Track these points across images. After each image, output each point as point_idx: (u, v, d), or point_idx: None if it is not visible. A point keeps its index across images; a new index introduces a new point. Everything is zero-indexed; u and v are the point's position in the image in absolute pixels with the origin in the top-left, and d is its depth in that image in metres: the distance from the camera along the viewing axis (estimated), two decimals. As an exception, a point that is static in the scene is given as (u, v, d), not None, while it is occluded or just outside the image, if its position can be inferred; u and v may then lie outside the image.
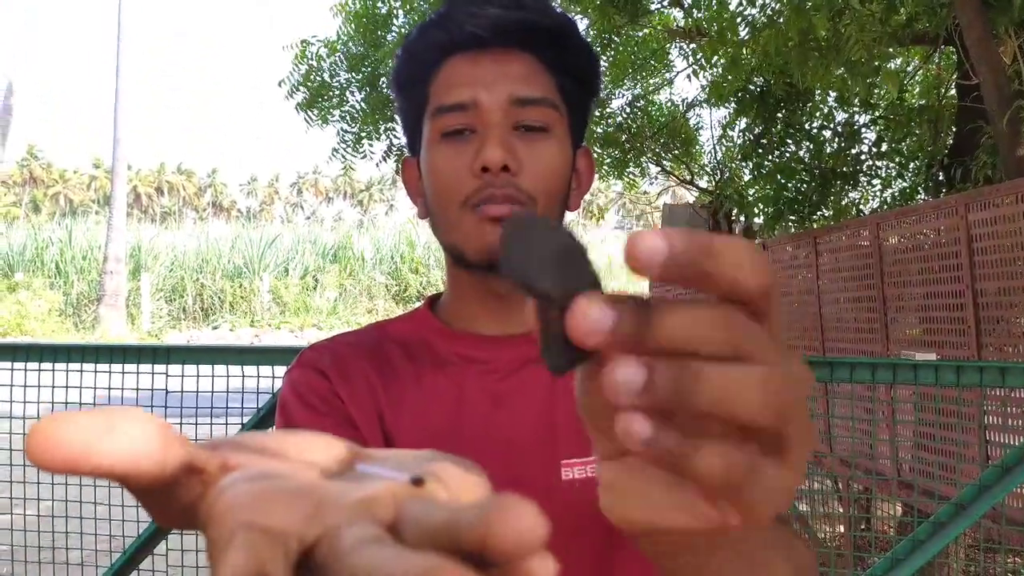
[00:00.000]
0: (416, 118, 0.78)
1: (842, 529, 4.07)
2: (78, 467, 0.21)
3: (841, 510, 3.98)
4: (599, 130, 8.16)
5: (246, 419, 2.21)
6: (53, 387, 2.29)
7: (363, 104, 7.79)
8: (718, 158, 8.41)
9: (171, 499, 0.24)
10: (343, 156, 8.03)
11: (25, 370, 2.31)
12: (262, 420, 2.12)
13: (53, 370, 2.29)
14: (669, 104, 9.09)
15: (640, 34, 7.57)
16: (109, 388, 2.25)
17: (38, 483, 2.33)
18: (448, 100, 0.74)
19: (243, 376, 2.16)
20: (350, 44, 7.55)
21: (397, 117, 0.85)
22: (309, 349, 0.79)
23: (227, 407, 2.32)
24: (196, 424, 2.27)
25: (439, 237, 0.78)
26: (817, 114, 6.79)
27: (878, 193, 6.85)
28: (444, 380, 0.75)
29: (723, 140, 8.16)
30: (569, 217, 0.84)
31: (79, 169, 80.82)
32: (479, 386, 0.75)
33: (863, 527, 3.95)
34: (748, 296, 0.27)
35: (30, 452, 0.21)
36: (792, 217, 6.43)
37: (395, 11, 7.29)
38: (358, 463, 0.26)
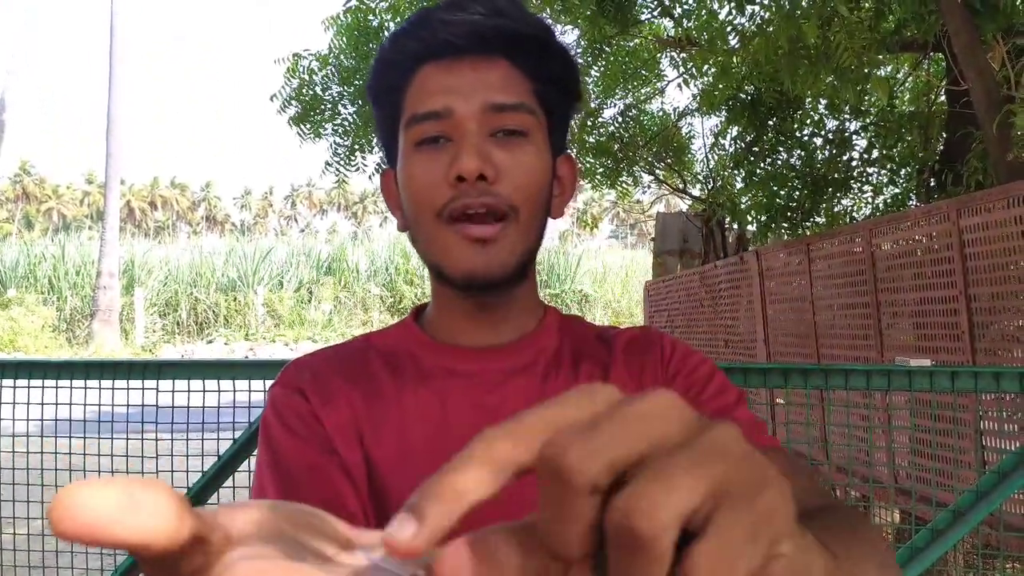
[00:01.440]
0: (392, 128, 0.77)
1: (840, 537, 4.05)
2: (99, 539, 0.22)
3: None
4: (591, 139, 8.18)
5: (238, 433, 2.19)
6: (43, 404, 2.27)
7: (355, 117, 7.80)
8: (710, 166, 8.44)
9: (175, 569, 0.24)
10: (336, 169, 8.03)
11: (14, 387, 2.29)
12: (254, 435, 2.11)
13: (43, 387, 2.28)
14: (661, 113, 9.14)
15: (631, 44, 7.60)
16: (99, 404, 2.23)
17: (28, 501, 2.31)
18: (422, 109, 0.72)
19: (234, 391, 2.14)
20: (342, 57, 7.57)
21: (375, 128, 0.84)
22: (291, 366, 0.78)
23: (219, 422, 2.31)
24: (187, 439, 2.25)
25: (418, 250, 0.76)
26: (808, 121, 6.81)
27: (870, 200, 6.88)
28: (428, 394, 0.74)
29: (715, 148, 8.19)
30: (558, 225, 0.83)
31: (72, 184, 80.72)
32: (464, 400, 0.74)
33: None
34: None
35: (53, 522, 0.21)
36: (784, 224, 6.45)
37: (386, 24, 7.31)
38: (359, 549, 0.27)
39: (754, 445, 0.61)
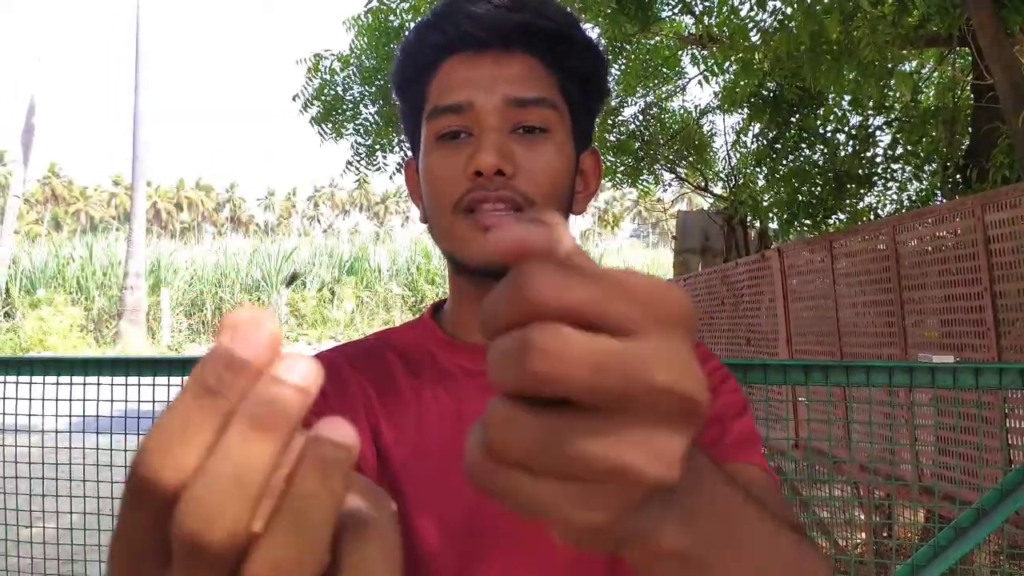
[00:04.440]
0: (415, 119, 0.77)
1: (863, 536, 4.02)
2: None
3: (863, 517, 3.93)
4: (612, 138, 8.17)
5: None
6: (71, 400, 2.31)
7: (376, 117, 7.86)
8: (732, 164, 8.39)
9: None
10: (357, 169, 8.09)
11: (44, 384, 2.34)
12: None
13: (71, 383, 2.32)
14: (682, 111, 9.10)
15: (652, 42, 7.58)
16: (126, 400, 2.27)
17: (57, 496, 2.36)
18: (444, 101, 0.72)
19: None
20: (363, 57, 7.62)
21: (399, 119, 0.85)
22: None
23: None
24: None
25: (437, 242, 0.76)
26: (831, 117, 6.74)
27: (895, 196, 6.80)
28: (444, 394, 0.74)
29: (737, 146, 8.14)
30: (579, 224, 0.81)
31: (99, 186, 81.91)
32: (480, 401, 0.71)
33: (885, 534, 3.90)
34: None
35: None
36: (807, 222, 6.39)
37: (407, 24, 7.34)
38: None
39: (738, 462, 0.69)
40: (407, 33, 0.79)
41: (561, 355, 0.24)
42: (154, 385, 2.25)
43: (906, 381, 2.05)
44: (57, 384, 2.32)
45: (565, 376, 0.24)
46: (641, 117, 8.58)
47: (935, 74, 7.07)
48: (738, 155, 8.21)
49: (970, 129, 5.25)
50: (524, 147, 0.71)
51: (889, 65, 4.53)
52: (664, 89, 8.54)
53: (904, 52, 4.86)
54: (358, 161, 8.05)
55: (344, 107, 7.88)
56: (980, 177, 4.63)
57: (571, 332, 0.24)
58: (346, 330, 24.51)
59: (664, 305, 0.25)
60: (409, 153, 0.83)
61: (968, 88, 5.40)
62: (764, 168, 7.17)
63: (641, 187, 9.28)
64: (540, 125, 0.72)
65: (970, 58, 4.99)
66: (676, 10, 6.59)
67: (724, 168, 8.91)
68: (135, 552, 0.24)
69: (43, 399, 2.33)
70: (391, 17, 7.40)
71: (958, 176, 5.17)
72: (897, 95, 6.00)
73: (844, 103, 6.59)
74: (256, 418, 0.23)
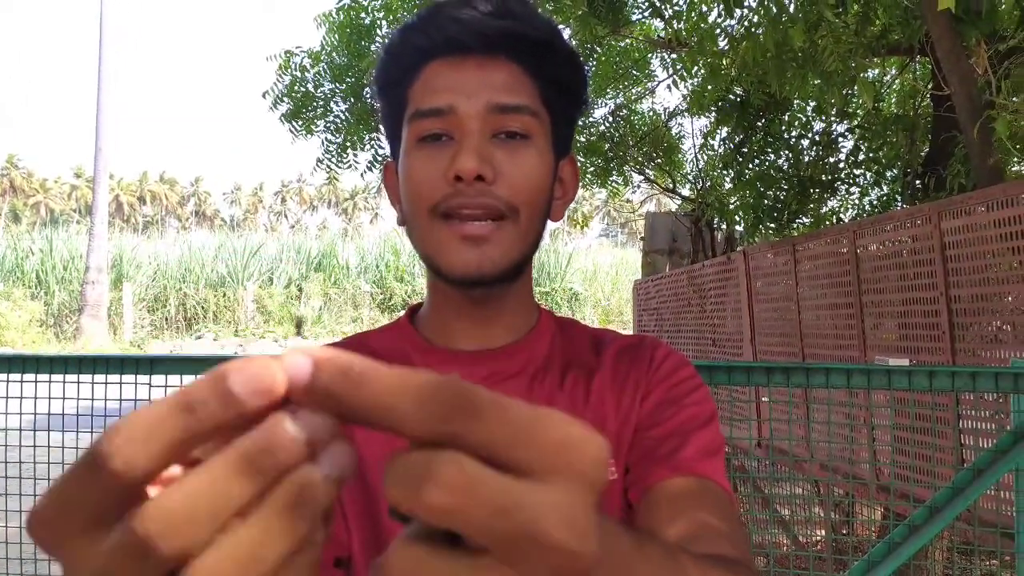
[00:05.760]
0: (396, 121, 0.76)
1: (823, 533, 4.12)
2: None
3: (822, 514, 4.02)
4: (582, 139, 8.23)
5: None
6: (36, 398, 2.27)
7: (347, 114, 7.82)
8: (700, 167, 8.50)
9: None
10: (328, 166, 8.04)
11: (7, 381, 2.30)
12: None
13: (36, 381, 2.28)
14: (651, 113, 9.19)
15: (622, 44, 7.65)
16: (92, 399, 2.24)
17: (20, 495, 2.33)
18: (426, 105, 0.72)
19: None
20: (334, 55, 7.58)
21: (379, 120, 0.84)
22: None
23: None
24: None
25: (413, 244, 0.76)
26: (795, 123, 6.87)
27: (856, 201, 6.95)
28: None
29: (704, 149, 8.25)
30: (553, 226, 0.83)
31: (60, 178, 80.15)
32: None
33: (844, 531, 4.00)
34: (417, 437, 0.24)
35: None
36: (771, 225, 6.50)
37: (378, 22, 7.32)
38: None
39: (693, 475, 0.65)
40: (390, 34, 0.78)
41: (463, 491, 0.23)
42: (121, 384, 2.23)
43: (864, 383, 2.11)
44: (21, 382, 2.29)
45: (463, 513, 0.23)
46: (611, 118, 8.66)
47: (896, 82, 7.23)
48: (705, 158, 8.32)
49: (930, 137, 5.38)
50: (505, 153, 0.71)
51: (852, 73, 4.63)
52: (634, 91, 8.63)
53: (866, 61, 4.96)
54: (328, 158, 8.01)
55: (314, 104, 7.84)
56: (938, 185, 4.75)
57: (477, 468, 0.23)
58: (314, 327, 24.32)
59: (577, 455, 0.24)
60: (382, 149, 0.83)
61: (928, 97, 5.54)
62: (731, 171, 7.28)
63: (610, 188, 9.36)
64: (521, 131, 0.72)
65: (930, 67, 5.12)
66: (646, 13, 6.66)
67: (692, 171, 9.02)
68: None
69: (7, 397, 2.29)
70: (362, 15, 7.37)
71: (918, 183, 5.30)
72: (860, 102, 6.14)
73: (808, 109, 6.73)
74: (286, 505, 0.23)
